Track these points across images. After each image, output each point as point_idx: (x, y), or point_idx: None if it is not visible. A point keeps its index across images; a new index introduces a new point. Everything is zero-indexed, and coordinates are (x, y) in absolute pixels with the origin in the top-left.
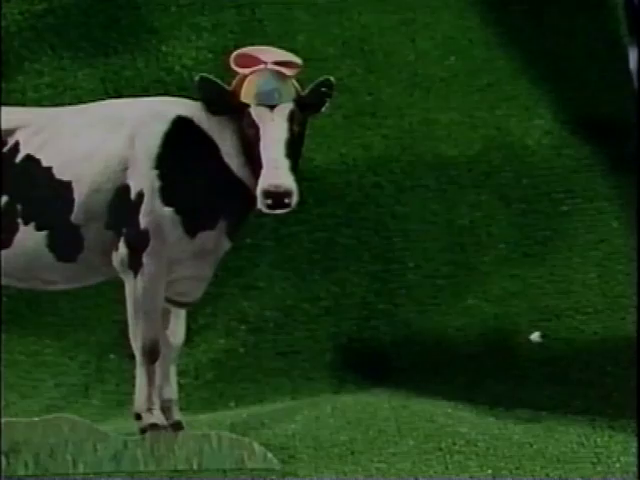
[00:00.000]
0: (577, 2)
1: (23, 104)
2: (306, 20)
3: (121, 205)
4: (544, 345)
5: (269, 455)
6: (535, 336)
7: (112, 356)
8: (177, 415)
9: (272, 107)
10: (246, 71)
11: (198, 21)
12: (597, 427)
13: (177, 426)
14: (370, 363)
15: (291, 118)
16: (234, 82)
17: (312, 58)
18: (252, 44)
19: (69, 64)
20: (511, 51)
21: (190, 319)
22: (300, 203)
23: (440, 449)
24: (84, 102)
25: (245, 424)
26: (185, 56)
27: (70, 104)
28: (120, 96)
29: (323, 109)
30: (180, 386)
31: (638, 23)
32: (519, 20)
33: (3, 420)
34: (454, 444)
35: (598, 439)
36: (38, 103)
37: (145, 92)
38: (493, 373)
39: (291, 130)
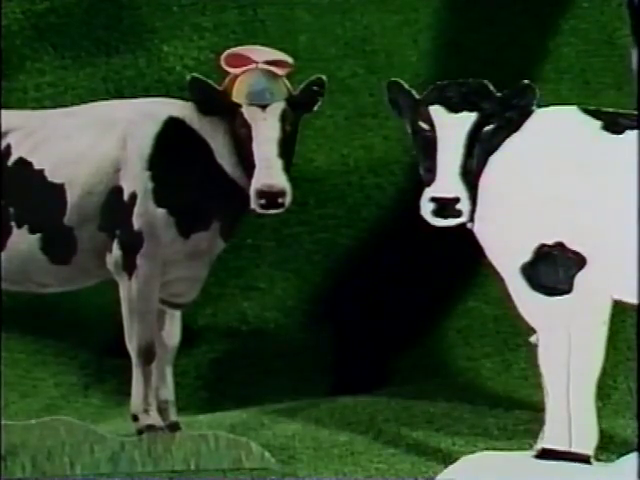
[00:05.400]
0: (579, 2)
1: (24, 103)
2: (308, 20)
3: (114, 207)
4: None
5: (267, 454)
6: (534, 339)
7: (112, 356)
8: (174, 416)
9: (264, 107)
10: (237, 71)
11: (200, 21)
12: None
13: (174, 427)
14: (370, 364)
15: (283, 117)
16: (225, 82)
17: (314, 58)
18: (254, 44)
19: (70, 63)
20: (513, 52)
21: (190, 319)
22: (301, 204)
23: (440, 450)
24: (85, 101)
25: (245, 424)
26: (187, 56)
27: (71, 103)
28: (121, 96)
29: (315, 108)
30: (180, 386)
31: (639, 24)
32: (521, 20)
33: (2, 422)
34: (454, 444)
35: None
36: (39, 102)
37: (146, 92)
38: (493, 375)
39: (283, 129)
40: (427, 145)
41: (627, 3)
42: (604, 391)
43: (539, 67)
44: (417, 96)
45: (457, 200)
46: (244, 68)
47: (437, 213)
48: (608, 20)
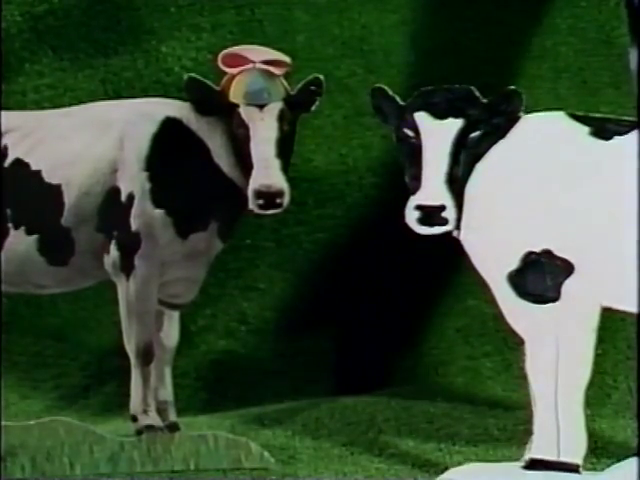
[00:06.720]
0: (577, 1)
1: (24, 105)
2: (305, 20)
3: (112, 208)
4: None
5: (266, 454)
6: None
7: (113, 357)
8: (173, 416)
9: (261, 106)
10: (234, 71)
11: (197, 22)
12: (597, 427)
13: (173, 427)
14: (370, 364)
15: (281, 117)
16: (223, 82)
17: (312, 58)
18: (251, 44)
19: (69, 65)
20: (511, 51)
21: (190, 320)
22: (300, 204)
23: (440, 450)
24: (84, 103)
25: (245, 425)
26: (185, 57)
27: (70, 105)
28: (120, 97)
29: (313, 108)
30: (181, 387)
31: (638, 23)
32: (519, 19)
33: (2, 423)
34: (454, 445)
35: (598, 440)
36: (38, 104)
37: (145, 93)
38: (493, 375)
39: (281, 129)
40: (412, 152)
41: (625, 2)
42: (604, 391)
43: (537, 66)
44: (401, 102)
45: (443, 208)
46: (241, 68)
47: (422, 221)
48: (606, 19)
